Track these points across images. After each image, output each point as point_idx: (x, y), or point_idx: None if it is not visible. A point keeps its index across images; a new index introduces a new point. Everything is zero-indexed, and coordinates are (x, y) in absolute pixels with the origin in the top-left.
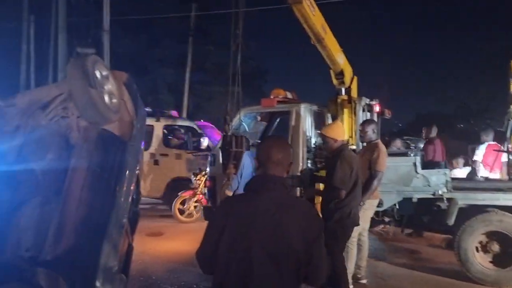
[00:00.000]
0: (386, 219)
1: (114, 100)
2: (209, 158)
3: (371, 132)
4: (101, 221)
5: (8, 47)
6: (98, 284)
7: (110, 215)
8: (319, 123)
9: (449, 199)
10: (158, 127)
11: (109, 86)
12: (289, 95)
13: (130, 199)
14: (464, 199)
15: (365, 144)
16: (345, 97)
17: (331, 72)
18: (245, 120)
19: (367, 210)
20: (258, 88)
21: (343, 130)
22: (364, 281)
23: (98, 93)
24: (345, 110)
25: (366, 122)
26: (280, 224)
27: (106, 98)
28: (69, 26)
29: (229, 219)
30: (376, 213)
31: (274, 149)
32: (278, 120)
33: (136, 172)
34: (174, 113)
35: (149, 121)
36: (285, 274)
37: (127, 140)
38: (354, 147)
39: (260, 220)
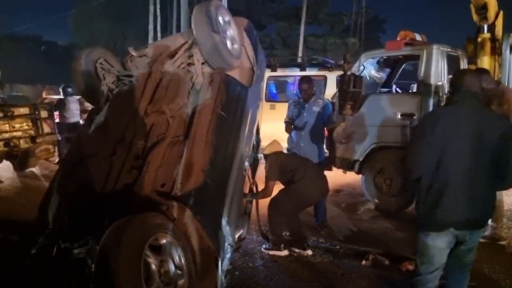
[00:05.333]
0: None
1: (236, 46)
2: None
3: None
4: (225, 163)
5: (136, 8)
6: (223, 221)
7: (233, 157)
8: (452, 68)
9: None
10: (332, 78)
11: (231, 31)
12: (418, 38)
13: (251, 144)
14: None
15: None
16: (488, 35)
17: (471, 6)
18: (366, 66)
19: None
20: (376, 39)
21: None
22: (503, 243)
23: (221, 38)
24: (487, 51)
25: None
26: (484, 126)
27: (229, 43)
28: None
29: (438, 125)
30: None
31: (478, 76)
32: (403, 66)
33: (257, 118)
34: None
35: (322, 72)
36: (488, 160)
37: (248, 86)
38: None
39: (468, 122)
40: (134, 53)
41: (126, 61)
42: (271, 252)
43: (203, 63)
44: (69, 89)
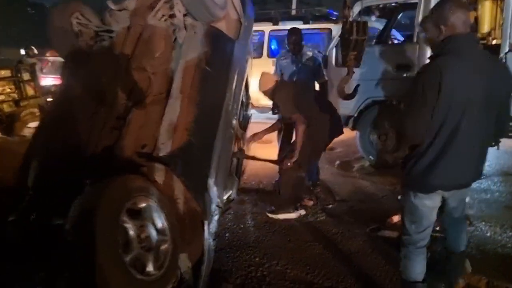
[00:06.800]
0: None
1: None
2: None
3: None
4: (211, 121)
5: None
6: (210, 182)
7: (220, 115)
8: None
9: None
10: (337, 30)
11: None
12: None
13: (239, 101)
14: None
15: None
16: None
17: None
18: (364, 15)
19: None
20: None
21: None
22: None
23: None
24: None
25: None
26: (491, 74)
27: None
28: None
29: (443, 82)
30: None
31: (465, 10)
32: (400, 15)
33: (246, 73)
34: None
35: (327, 24)
36: (491, 116)
37: (235, 39)
38: (498, 41)
39: (477, 75)
40: (112, 7)
41: (105, 16)
42: (281, 217)
43: (185, 15)
44: (30, 51)
